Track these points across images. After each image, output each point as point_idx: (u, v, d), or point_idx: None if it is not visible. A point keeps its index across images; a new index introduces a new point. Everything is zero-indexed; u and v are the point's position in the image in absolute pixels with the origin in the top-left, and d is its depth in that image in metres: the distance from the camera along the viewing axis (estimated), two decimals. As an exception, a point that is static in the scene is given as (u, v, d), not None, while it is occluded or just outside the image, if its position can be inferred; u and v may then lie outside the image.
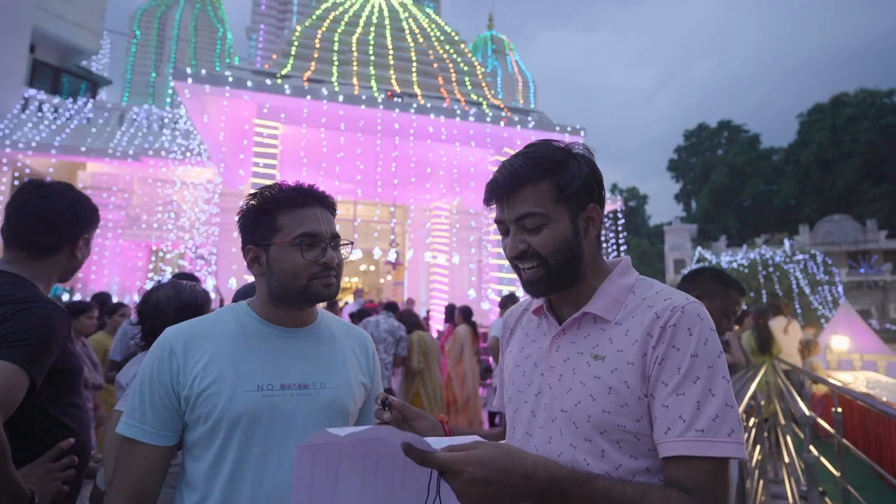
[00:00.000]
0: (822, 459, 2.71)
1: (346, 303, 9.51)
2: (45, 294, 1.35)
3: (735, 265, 17.78)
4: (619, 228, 15.41)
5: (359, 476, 0.65)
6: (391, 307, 5.15)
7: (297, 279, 1.02)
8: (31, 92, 12.43)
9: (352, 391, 1.09)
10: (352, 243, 1.14)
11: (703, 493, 0.72)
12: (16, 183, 11.84)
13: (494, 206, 0.89)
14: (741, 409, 2.29)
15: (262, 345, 1.03)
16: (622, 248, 15.46)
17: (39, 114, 12.20)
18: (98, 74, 16.72)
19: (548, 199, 0.84)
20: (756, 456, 3.30)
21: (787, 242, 18.53)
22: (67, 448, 1.27)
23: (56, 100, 12.67)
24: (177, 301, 1.43)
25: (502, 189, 0.86)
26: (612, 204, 15.06)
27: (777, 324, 6.27)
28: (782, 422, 4.10)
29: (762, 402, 3.76)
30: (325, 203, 1.09)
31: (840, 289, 16.69)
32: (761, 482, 3.45)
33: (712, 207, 46.59)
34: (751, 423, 3.21)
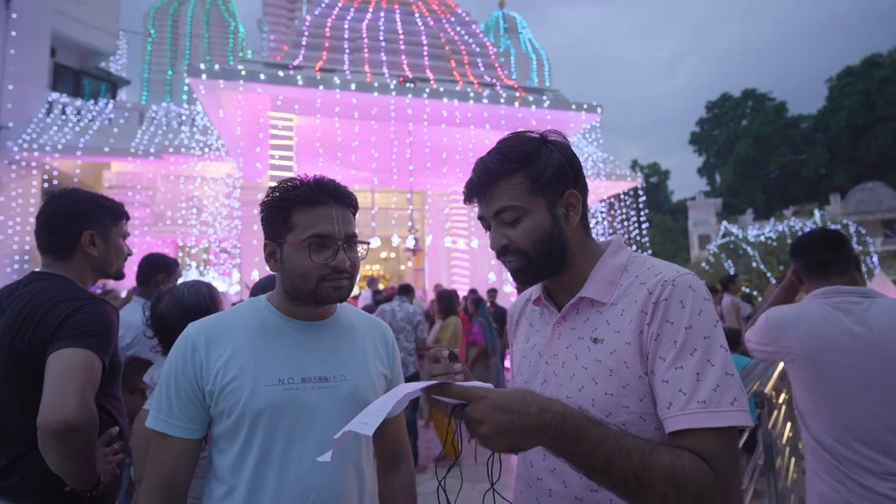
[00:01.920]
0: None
1: (360, 292, 9.35)
2: (86, 290, 1.46)
3: (763, 238, 17.30)
4: (640, 206, 15.13)
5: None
6: (406, 290, 5.06)
7: (307, 281, 1.02)
8: (55, 95, 12.72)
9: (372, 383, 1.10)
10: (368, 243, 1.13)
11: (714, 462, 0.71)
12: (45, 185, 12.21)
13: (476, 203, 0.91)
14: (770, 385, 2.24)
15: (282, 339, 1.05)
16: (644, 226, 15.19)
17: (63, 116, 12.50)
18: (117, 75, 17.00)
19: (522, 191, 0.86)
20: (787, 433, 3.24)
21: (817, 213, 17.96)
22: (115, 434, 1.40)
23: (78, 102, 12.95)
24: (178, 310, 1.43)
25: (477, 187, 0.88)
26: (632, 181, 14.77)
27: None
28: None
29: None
30: (344, 200, 1.07)
31: (875, 259, 16.12)
32: (793, 459, 3.39)
33: (737, 180, 45.25)
34: (780, 399, 3.15)
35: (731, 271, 15.01)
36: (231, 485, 0.98)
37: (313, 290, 1.02)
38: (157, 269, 2.47)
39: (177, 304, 1.48)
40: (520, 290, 5.49)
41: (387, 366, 1.18)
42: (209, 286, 1.58)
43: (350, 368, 1.08)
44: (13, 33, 11.79)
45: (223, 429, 1.00)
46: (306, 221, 1.02)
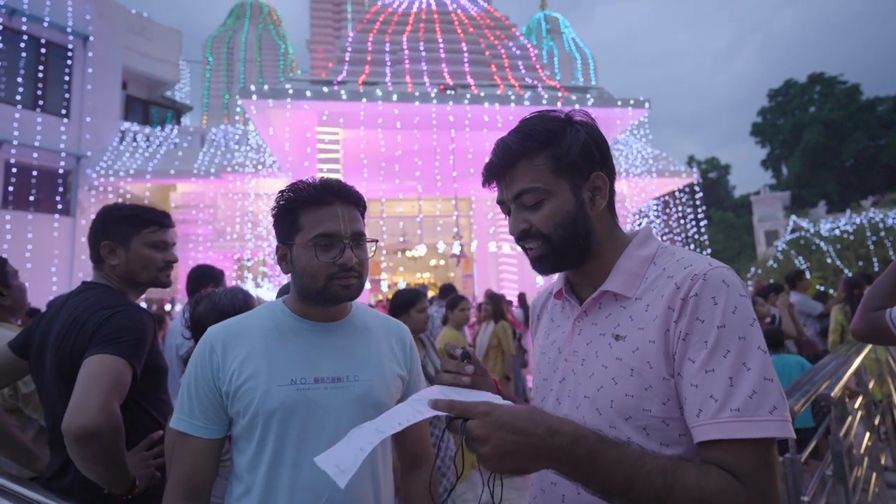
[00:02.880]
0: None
1: None
2: (128, 299, 1.54)
3: (838, 232, 15.97)
4: (697, 203, 14.42)
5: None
6: (446, 292, 4.99)
7: (316, 280, 1.02)
8: (126, 125, 13.84)
9: (386, 384, 1.09)
10: (376, 241, 1.12)
11: (747, 479, 0.64)
12: (120, 208, 13.24)
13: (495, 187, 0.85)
14: (838, 388, 2.04)
15: (296, 339, 1.06)
16: (702, 224, 14.46)
17: (134, 143, 13.55)
18: (180, 102, 18.27)
19: (544, 172, 0.79)
20: (865, 442, 2.94)
21: (900, 202, 16.36)
22: (157, 438, 1.44)
23: (147, 129, 14.02)
24: (215, 314, 1.48)
25: (497, 168, 0.82)
26: (688, 177, 14.11)
27: None
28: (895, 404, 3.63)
29: (870, 383, 3.34)
30: (350, 199, 1.07)
31: (970, 250, 14.48)
32: (875, 473, 3.07)
33: (807, 171, 42.11)
34: (857, 404, 2.86)
35: (803, 269, 13.94)
36: (248, 484, 1.00)
37: (322, 288, 1.02)
38: (206, 279, 2.60)
39: (213, 307, 1.54)
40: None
41: (403, 367, 1.16)
42: (245, 292, 1.63)
43: (364, 369, 1.07)
44: (90, 70, 12.94)
45: (240, 429, 1.02)
46: (313, 221, 1.03)
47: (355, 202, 1.08)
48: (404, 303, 2.86)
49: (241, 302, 1.58)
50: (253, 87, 7.99)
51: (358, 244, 1.06)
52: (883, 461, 3.47)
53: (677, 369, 0.71)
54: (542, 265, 0.83)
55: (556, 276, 0.94)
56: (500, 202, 0.85)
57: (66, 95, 12.62)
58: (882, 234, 14.82)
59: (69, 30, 12.53)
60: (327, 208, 1.04)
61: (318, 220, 1.03)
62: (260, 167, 12.56)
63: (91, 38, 13.00)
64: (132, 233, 1.52)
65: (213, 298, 1.57)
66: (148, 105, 16.19)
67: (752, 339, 0.68)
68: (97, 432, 1.16)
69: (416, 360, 1.21)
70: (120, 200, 13.19)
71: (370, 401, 1.05)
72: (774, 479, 0.66)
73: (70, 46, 12.70)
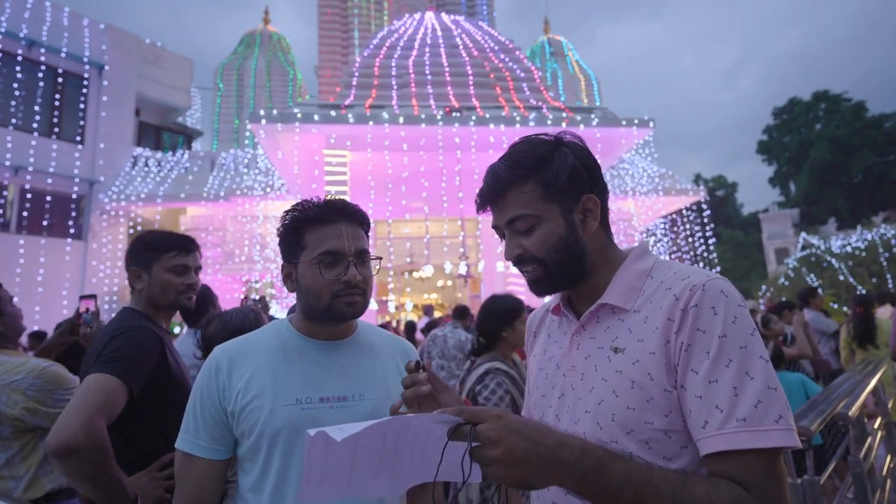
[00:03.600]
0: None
1: (418, 320, 9.55)
2: (157, 322, 1.59)
3: (849, 249, 15.78)
4: (705, 220, 14.36)
5: (378, 454, 0.62)
6: (460, 314, 4.89)
7: (320, 298, 1.02)
8: (139, 150, 14.12)
9: (392, 402, 1.08)
10: (380, 258, 1.13)
11: (756, 490, 0.62)
12: (130, 231, 13.43)
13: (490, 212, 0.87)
14: (856, 407, 1.99)
15: (301, 359, 1.05)
16: (710, 242, 14.36)
17: (146, 168, 13.81)
18: (192, 128, 18.66)
19: (534, 198, 0.81)
20: (888, 464, 2.85)
21: (912, 218, 16.18)
22: (169, 461, 1.44)
23: (159, 154, 14.30)
24: (225, 333, 1.48)
25: (488, 196, 0.84)
26: (694, 195, 14.08)
27: (884, 312, 5.43)
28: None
29: (889, 403, 3.26)
30: (353, 218, 1.08)
31: None
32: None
33: (815, 188, 41.90)
34: (876, 425, 2.78)
35: (813, 287, 13.76)
36: None
37: (327, 306, 1.02)
38: (205, 301, 2.59)
39: (224, 326, 1.54)
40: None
41: None
42: (256, 312, 1.63)
43: (369, 388, 1.07)
44: (104, 98, 13.28)
45: (245, 449, 1.01)
46: (317, 239, 1.04)
47: (359, 220, 1.09)
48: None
49: (252, 322, 1.58)
50: (262, 112, 8.15)
51: (362, 261, 1.06)
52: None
53: (680, 381, 0.70)
54: (538, 287, 0.84)
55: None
56: (495, 227, 0.87)
57: (81, 122, 12.94)
58: (895, 250, 14.63)
59: (85, 59, 12.92)
60: (331, 226, 1.05)
61: (323, 238, 1.03)
62: (268, 190, 12.73)
63: (106, 68, 13.38)
64: (154, 258, 1.57)
65: (224, 318, 1.58)
66: (160, 131, 16.55)
67: (754, 348, 0.68)
68: (75, 449, 1.17)
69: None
70: (131, 225, 13.38)
71: (376, 419, 1.03)
72: (784, 488, 0.65)
73: (86, 75, 13.08)
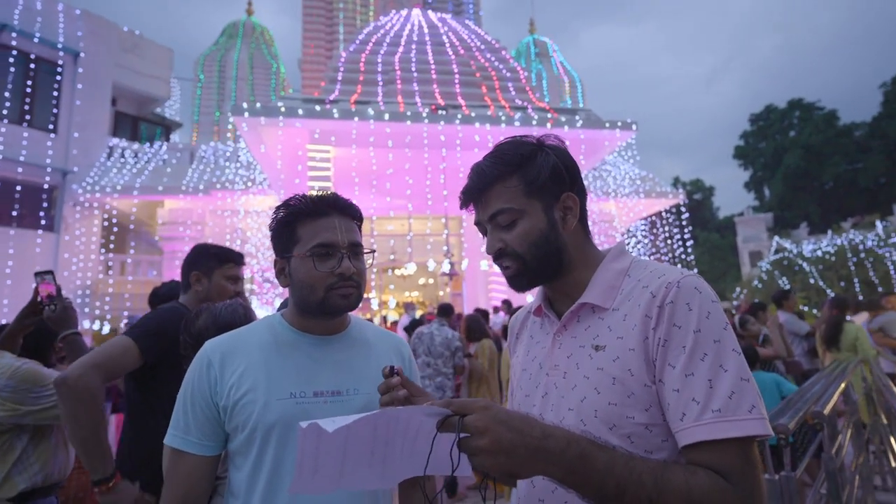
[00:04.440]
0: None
1: (398, 319, 9.53)
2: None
3: (820, 253, 16.29)
4: (684, 223, 14.64)
5: (369, 446, 0.63)
6: (445, 312, 4.91)
7: (315, 291, 1.02)
8: (115, 141, 13.74)
9: None
10: (373, 251, 1.13)
11: (733, 477, 0.65)
12: (105, 224, 13.07)
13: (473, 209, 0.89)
14: (830, 406, 2.06)
15: (294, 353, 1.04)
16: (688, 244, 14.65)
17: (122, 160, 13.44)
18: (170, 119, 18.24)
19: (517, 193, 0.84)
20: (856, 461, 2.96)
21: (879, 224, 16.79)
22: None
23: (136, 146, 13.92)
24: (214, 328, 1.44)
25: (473, 191, 0.87)
26: (674, 198, 14.35)
27: (859, 318, 5.63)
28: (885, 422, 3.66)
29: (859, 403, 3.38)
30: (346, 211, 1.08)
31: (949, 271, 14.84)
32: (865, 492, 3.08)
33: (789, 193, 43.11)
34: (844, 423, 2.88)
35: (787, 289, 14.15)
36: (245, 500, 0.97)
37: (321, 299, 1.02)
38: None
39: (214, 321, 1.49)
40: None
41: None
42: (246, 306, 1.60)
43: (364, 382, 1.06)
44: (79, 86, 12.90)
45: (237, 444, 1.00)
46: (310, 232, 1.03)
47: (352, 214, 1.09)
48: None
49: (242, 316, 1.53)
50: (245, 105, 8.02)
51: (356, 254, 1.06)
52: (874, 481, 3.47)
53: (658, 375, 0.73)
54: (517, 282, 0.86)
55: (536, 293, 0.97)
56: (478, 223, 0.89)
57: (55, 111, 12.55)
58: (862, 255, 15.16)
59: (60, 46, 12.53)
60: (324, 219, 1.05)
61: (316, 231, 1.03)
62: (250, 184, 12.52)
63: (82, 55, 12.99)
64: (215, 266, 1.81)
65: (213, 312, 1.53)
66: (137, 121, 16.14)
67: (727, 341, 0.71)
68: (66, 381, 1.38)
69: (415, 373, 1.20)
70: (105, 217, 13.02)
71: None
72: (759, 475, 0.68)
73: (60, 62, 12.68)
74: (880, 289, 13.91)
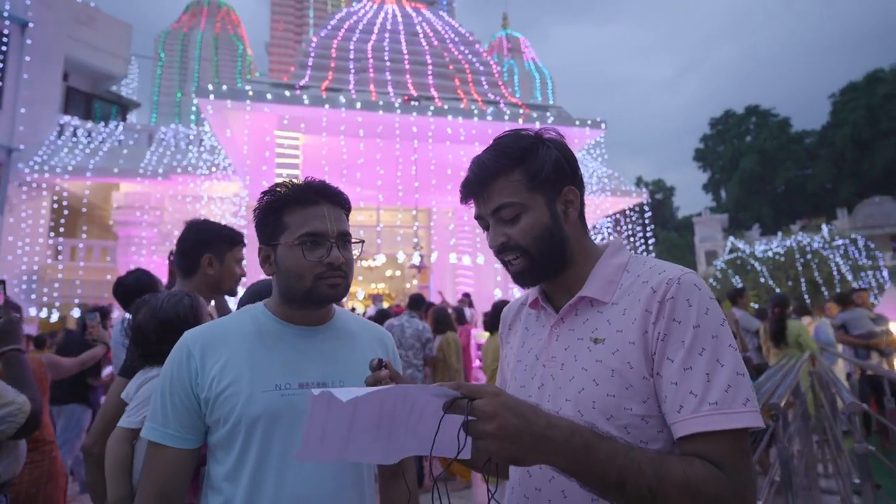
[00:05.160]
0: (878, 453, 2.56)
1: (365, 310, 9.48)
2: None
3: (770, 254, 17.15)
4: (646, 222, 15.08)
5: (375, 420, 0.63)
6: (415, 304, 4.93)
7: (302, 280, 1.00)
8: (66, 118, 12.96)
9: None
10: (362, 241, 1.11)
11: (728, 467, 0.68)
12: (55, 206, 12.36)
13: (472, 203, 0.89)
14: (784, 399, 2.18)
15: (279, 344, 1.02)
16: (650, 242, 15.11)
17: (74, 139, 12.71)
18: (127, 98, 17.34)
19: (520, 187, 0.84)
20: (801, 450, 3.14)
21: (825, 228, 17.81)
22: None
23: (89, 124, 13.18)
24: (154, 322, 1.35)
25: (475, 185, 0.86)
26: (637, 197, 14.75)
27: (805, 321, 5.98)
28: (829, 415, 3.91)
29: (807, 395, 3.59)
30: (335, 200, 1.06)
31: (885, 273, 15.93)
32: (809, 480, 3.28)
33: (743, 196, 45.14)
34: (790, 416, 3.06)
35: (741, 287, 14.82)
36: (227, 495, 0.95)
37: (309, 289, 1.00)
38: (148, 287, 2.38)
39: (154, 315, 1.37)
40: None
41: None
42: (193, 297, 1.46)
43: (349, 373, 1.05)
44: (27, 58, 12.10)
45: (219, 437, 0.97)
46: (299, 221, 1.01)
47: (341, 203, 1.07)
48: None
49: (186, 308, 1.39)
50: (211, 87, 7.73)
51: (344, 244, 1.05)
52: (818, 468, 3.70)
53: (657, 368, 0.75)
54: (523, 279, 0.86)
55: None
56: (479, 217, 0.88)
57: (0, 84, 11.73)
58: (808, 256, 16.05)
59: (5, 14, 11.71)
60: (313, 208, 1.02)
61: (305, 219, 1.01)
62: (214, 169, 12.07)
63: (30, 25, 12.19)
64: (227, 249, 1.71)
65: (153, 304, 1.39)
66: (91, 99, 15.27)
67: (724, 337, 0.73)
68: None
69: (398, 366, 1.20)
70: (55, 199, 12.31)
71: None
72: (750, 464, 0.71)
73: (5, 31, 11.85)
74: (823, 289, 14.79)
